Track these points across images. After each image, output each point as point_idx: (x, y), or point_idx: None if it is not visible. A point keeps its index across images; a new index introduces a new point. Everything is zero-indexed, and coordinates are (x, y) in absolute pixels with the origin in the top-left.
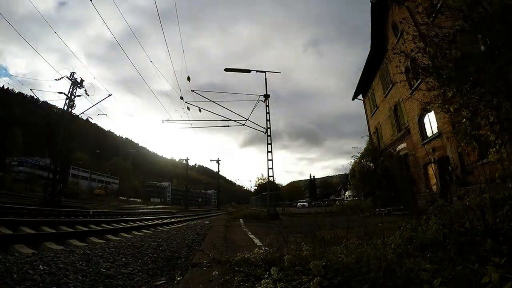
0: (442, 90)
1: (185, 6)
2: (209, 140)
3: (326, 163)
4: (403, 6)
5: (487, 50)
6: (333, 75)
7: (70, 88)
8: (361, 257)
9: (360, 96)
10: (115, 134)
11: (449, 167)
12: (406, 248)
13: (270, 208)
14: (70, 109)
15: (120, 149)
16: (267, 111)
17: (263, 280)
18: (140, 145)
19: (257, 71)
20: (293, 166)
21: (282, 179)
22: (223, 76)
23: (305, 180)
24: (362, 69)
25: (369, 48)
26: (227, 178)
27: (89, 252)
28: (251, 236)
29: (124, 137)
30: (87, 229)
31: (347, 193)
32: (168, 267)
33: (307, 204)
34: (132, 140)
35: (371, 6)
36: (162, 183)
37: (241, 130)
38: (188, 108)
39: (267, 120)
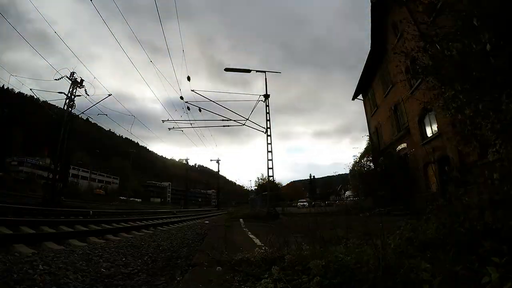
0: (442, 89)
1: None
2: (209, 140)
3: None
4: (404, 6)
5: (491, 47)
6: None
7: (70, 88)
8: (361, 257)
9: (360, 96)
10: (115, 134)
11: (448, 167)
12: (406, 248)
13: (270, 208)
14: (70, 109)
15: (120, 149)
16: (267, 111)
17: (263, 280)
18: (140, 144)
19: (257, 71)
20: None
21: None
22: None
23: (305, 180)
24: (362, 69)
25: (369, 48)
26: (227, 178)
27: (89, 252)
28: (251, 236)
29: (124, 137)
30: (87, 229)
31: (347, 193)
32: (168, 267)
33: (307, 204)
34: (132, 140)
35: (371, 5)
36: (162, 183)
37: (242, 129)
38: (188, 108)
39: (267, 120)
